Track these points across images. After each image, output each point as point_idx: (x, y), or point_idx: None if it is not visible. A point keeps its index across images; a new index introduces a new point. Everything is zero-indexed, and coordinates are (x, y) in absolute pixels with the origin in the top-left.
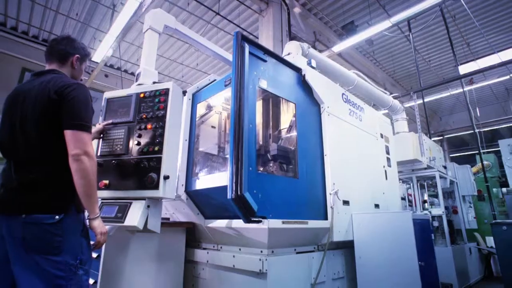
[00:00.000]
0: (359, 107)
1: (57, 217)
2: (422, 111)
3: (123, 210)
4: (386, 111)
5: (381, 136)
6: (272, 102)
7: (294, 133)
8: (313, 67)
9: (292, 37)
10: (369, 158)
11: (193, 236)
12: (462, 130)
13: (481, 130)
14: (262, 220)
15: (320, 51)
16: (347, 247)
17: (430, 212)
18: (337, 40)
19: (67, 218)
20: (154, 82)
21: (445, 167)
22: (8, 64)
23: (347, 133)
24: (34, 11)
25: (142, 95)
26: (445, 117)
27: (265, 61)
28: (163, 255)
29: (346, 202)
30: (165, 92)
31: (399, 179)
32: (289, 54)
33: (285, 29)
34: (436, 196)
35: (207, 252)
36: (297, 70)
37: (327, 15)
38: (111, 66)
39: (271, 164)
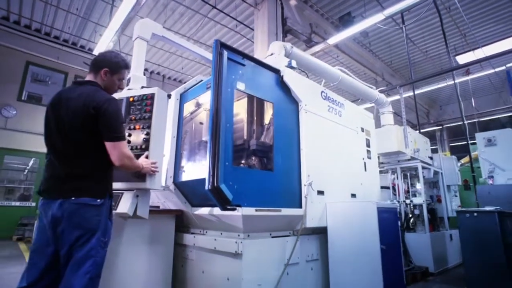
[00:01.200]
0: (339, 103)
1: (98, 200)
2: (412, 104)
3: (116, 199)
4: (373, 104)
5: (362, 130)
6: (256, 100)
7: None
8: (293, 68)
9: (287, 30)
10: (348, 151)
11: (182, 222)
12: (459, 119)
13: (476, 120)
14: (237, 208)
15: (316, 43)
16: (322, 232)
17: (411, 201)
18: (334, 32)
19: (104, 202)
20: (142, 87)
21: (431, 158)
22: (12, 57)
23: (325, 128)
24: (36, 6)
25: (131, 99)
26: (445, 106)
27: (243, 65)
28: (154, 238)
29: (321, 192)
30: (151, 96)
31: (386, 170)
32: (272, 54)
33: (280, 22)
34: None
35: (194, 236)
36: (276, 71)
37: (323, 7)
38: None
39: (253, 158)
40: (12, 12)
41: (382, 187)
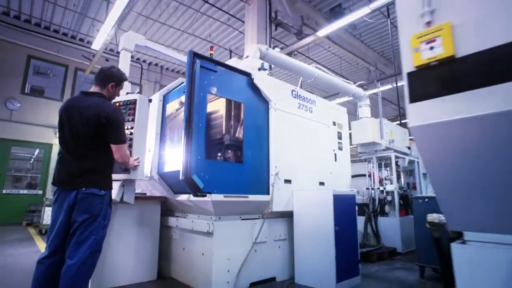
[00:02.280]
0: (310, 100)
1: (102, 192)
2: (393, 97)
3: None
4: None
5: (334, 123)
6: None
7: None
8: (265, 69)
9: (277, 24)
10: (318, 143)
11: (167, 207)
12: None
13: None
14: (207, 195)
15: (307, 35)
16: (290, 216)
17: (384, 188)
18: (325, 23)
19: (107, 193)
20: (127, 93)
21: (409, 148)
22: (14, 52)
23: (294, 124)
24: (35, 2)
25: (117, 104)
26: None
27: (215, 71)
28: (142, 221)
29: (288, 181)
30: (134, 102)
31: (365, 159)
32: (247, 57)
33: (268, 17)
34: (399, 174)
35: (177, 219)
36: (247, 74)
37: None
38: (111, 50)
39: (229, 151)
40: (12, 9)
41: (361, 175)
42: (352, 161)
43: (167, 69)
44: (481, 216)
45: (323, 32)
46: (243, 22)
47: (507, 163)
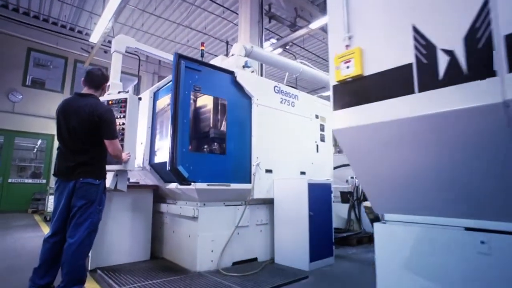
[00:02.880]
0: (292, 95)
1: (97, 181)
2: None
3: None
4: None
5: (316, 116)
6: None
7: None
8: (248, 67)
9: (271, 16)
10: (300, 135)
11: (159, 195)
12: None
13: None
14: (192, 183)
15: (301, 27)
16: (271, 203)
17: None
18: (320, 15)
19: (101, 182)
20: (119, 92)
21: None
22: (14, 44)
23: (276, 117)
24: None
25: (110, 102)
26: None
27: (199, 71)
28: (136, 207)
29: (269, 171)
30: (125, 100)
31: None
32: (232, 55)
33: (264, 11)
34: None
35: (167, 205)
36: (231, 73)
37: None
38: (109, 42)
39: (214, 144)
40: (11, 2)
41: (346, 165)
42: (339, 152)
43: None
44: (393, 200)
45: (316, 24)
46: (238, 14)
47: (403, 159)
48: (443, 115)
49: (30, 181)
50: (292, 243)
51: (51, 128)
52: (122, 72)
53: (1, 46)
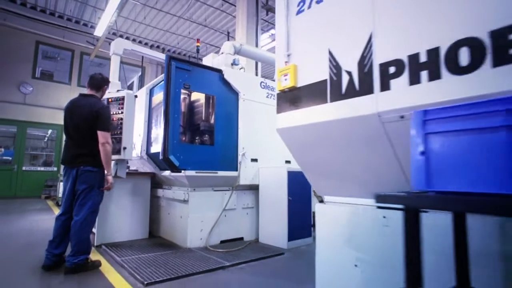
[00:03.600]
0: None
1: (95, 169)
2: None
3: None
4: None
5: None
6: None
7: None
8: (236, 64)
9: (268, 9)
10: None
11: (156, 181)
12: None
13: None
14: (182, 171)
15: None
16: (256, 189)
17: None
18: None
19: (99, 170)
20: (118, 90)
21: None
22: (23, 38)
23: (261, 111)
24: None
25: (110, 99)
26: None
27: (189, 70)
28: (135, 192)
29: (254, 160)
30: (123, 98)
31: None
32: (222, 53)
33: (261, 3)
34: None
35: (163, 190)
36: (219, 71)
37: None
38: (114, 34)
39: (203, 135)
40: None
41: None
42: None
43: (168, 51)
44: (325, 185)
45: None
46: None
47: (324, 154)
48: (344, 120)
49: (42, 168)
50: (274, 224)
51: (60, 118)
52: (127, 64)
53: (11, 40)
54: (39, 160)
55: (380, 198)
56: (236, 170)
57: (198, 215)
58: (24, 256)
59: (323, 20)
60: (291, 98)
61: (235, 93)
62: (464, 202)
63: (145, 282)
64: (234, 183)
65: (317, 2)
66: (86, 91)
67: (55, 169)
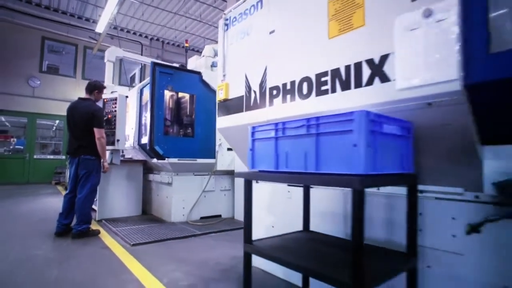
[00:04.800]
0: None
1: (93, 157)
2: None
3: None
4: None
5: None
6: None
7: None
8: (215, 66)
9: None
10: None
11: (147, 167)
12: None
13: None
14: (166, 158)
15: None
16: (233, 174)
17: None
18: None
19: (96, 158)
20: (112, 92)
21: None
22: (29, 35)
23: None
24: None
25: (105, 100)
26: None
27: (171, 74)
28: (130, 177)
29: (230, 149)
30: (116, 98)
31: None
32: (203, 56)
33: None
34: None
35: (153, 175)
36: (198, 73)
37: None
38: (115, 28)
39: (185, 129)
40: None
41: None
42: None
43: (168, 43)
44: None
45: None
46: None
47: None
48: (250, 124)
49: (51, 157)
50: None
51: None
52: (128, 57)
53: (19, 36)
54: (48, 149)
55: (236, 174)
56: (214, 158)
57: (181, 195)
58: (41, 227)
59: (243, 52)
60: (225, 106)
61: (213, 92)
62: (263, 176)
63: (132, 243)
64: (212, 168)
65: (241, 38)
66: (84, 95)
67: (64, 157)
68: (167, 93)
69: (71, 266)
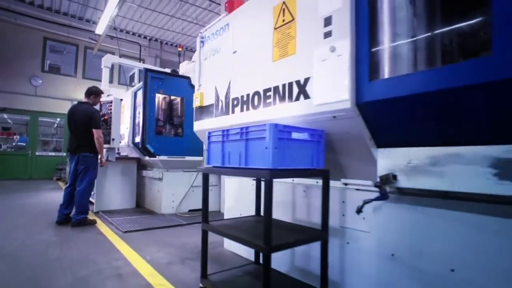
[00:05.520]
0: None
1: (91, 154)
2: None
3: None
4: None
5: None
6: None
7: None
8: None
9: None
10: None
11: (141, 164)
12: None
13: None
14: (157, 156)
15: None
16: None
17: None
18: None
19: (94, 155)
20: (108, 95)
21: None
22: (31, 35)
23: None
24: None
25: (102, 102)
26: None
27: (162, 79)
28: (125, 173)
29: None
30: (111, 101)
31: None
32: (193, 61)
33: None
34: None
35: (146, 171)
36: (187, 78)
37: None
38: (115, 29)
39: (175, 129)
40: None
41: None
42: None
43: (166, 43)
44: None
45: None
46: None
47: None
48: (219, 128)
49: (53, 154)
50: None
51: (67, 108)
52: (127, 57)
53: (21, 37)
54: (50, 146)
55: (198, 169)
56: (202, 155)
57: (171, 190)
58: (43, 217)
59: (214, 67)
60: (199, 112)
61: None
62: (215, 170)
63: (123, 230)
64: (200, 165)
65: (212, 55)
66: (83, 99)
67: (64, 154)
68: (159, 96)
69: (69, 248)
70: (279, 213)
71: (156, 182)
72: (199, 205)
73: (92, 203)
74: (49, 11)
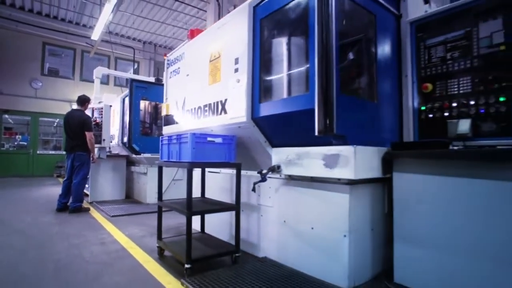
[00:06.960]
0: None
1: (85, 153)
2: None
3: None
4: None
5: None
6: None
7: None
8: None
9: None
10: None
11: (130, 161)
12: None
13: None
14: (142, 154)
15: None
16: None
17: None
18: None
19: (87, 153)
20: (99, 102)
21: None
22: (31, 41)
23: None
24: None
25: (94, 108)
26: None
27: (145, 88)
28: (116, 168)
29: None
30: (102, 107)
31: None
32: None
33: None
34: None
35: (134, 167)
36: None
37: None
38: (110, 32)
39: (158, 130)
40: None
41: None
42: None
43: (160, 46)
44: None
45: None
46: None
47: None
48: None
49: (53, 152)
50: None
51: (66, 109)
52: (123, 59)
53: (22, 42)
54: (50, 145)
55: (156, 163)
56: None
57: (154, 183)
58: (45, 206)
59: (175, 85)
60: (166, 120)
61: None
62: (164, 164)
63: (111, 215)
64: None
65: (174, 75)
66: (76, 107)
67: (64, 153)
68: (143, 102)
69: (66, 227)
70: (222, 195)
71: (142, 176)
72: (179, 196)
73: (87, 195)
74: (48, 17)
